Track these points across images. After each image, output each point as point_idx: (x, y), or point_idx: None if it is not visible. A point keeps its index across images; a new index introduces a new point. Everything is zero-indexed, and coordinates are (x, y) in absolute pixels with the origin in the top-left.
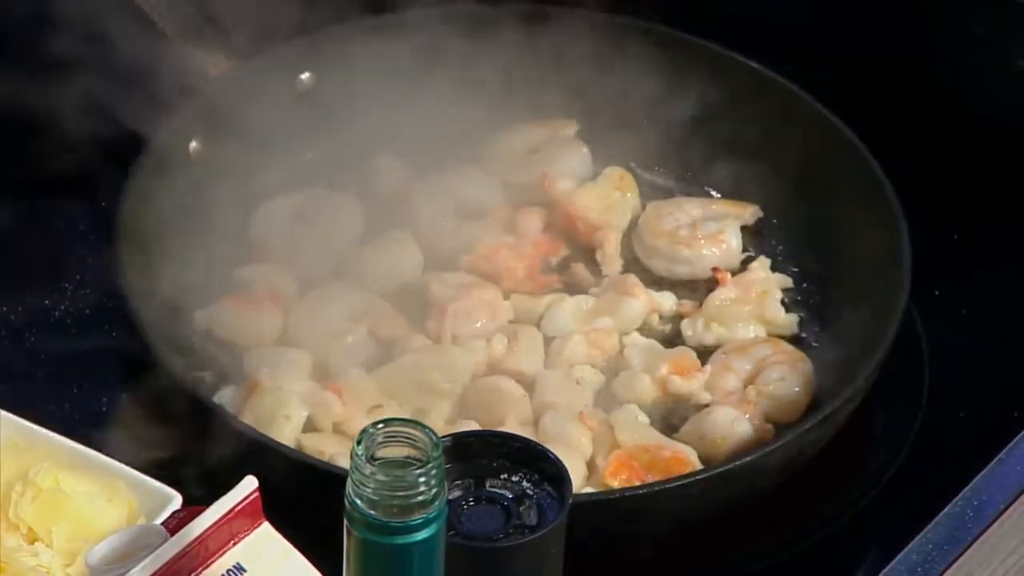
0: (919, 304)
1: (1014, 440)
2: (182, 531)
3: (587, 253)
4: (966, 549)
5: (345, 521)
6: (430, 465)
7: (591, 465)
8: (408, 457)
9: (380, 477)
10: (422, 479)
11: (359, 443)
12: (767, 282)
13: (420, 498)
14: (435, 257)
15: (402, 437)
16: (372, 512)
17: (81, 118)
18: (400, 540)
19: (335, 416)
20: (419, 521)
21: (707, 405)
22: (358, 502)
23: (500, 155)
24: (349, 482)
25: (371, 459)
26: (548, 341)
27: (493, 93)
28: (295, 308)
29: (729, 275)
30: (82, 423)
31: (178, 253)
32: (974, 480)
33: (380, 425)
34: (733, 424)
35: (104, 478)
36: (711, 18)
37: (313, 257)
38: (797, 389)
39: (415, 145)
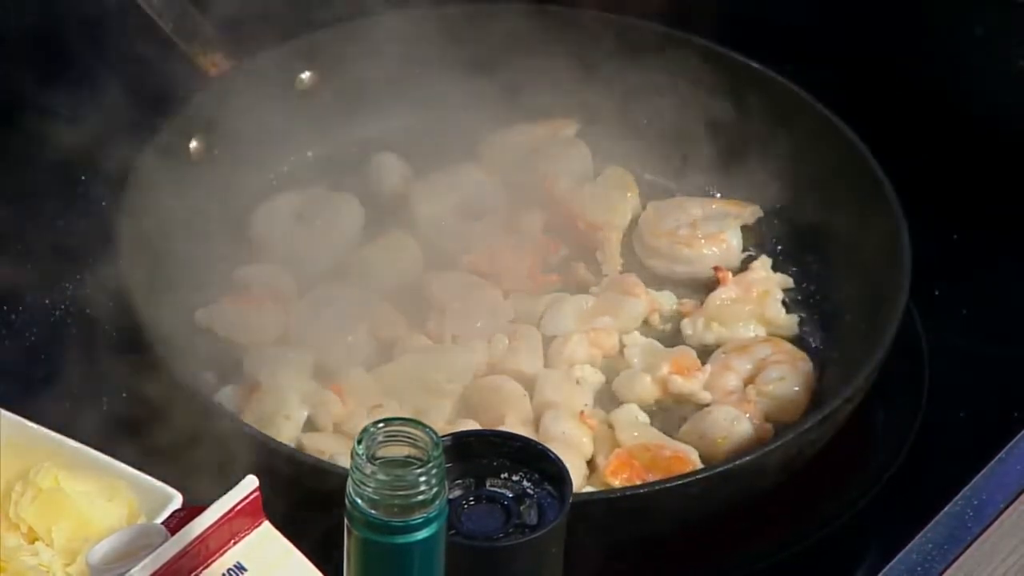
0: (919, 304)
1: (1014, 440)
2: (182, 530)
3: (587, 253)
4: (966, 549)
5: (345, 520)
6: (430, 464)
7: (591, 464)
8: (408, 456)
9: (381, 476)
10: (422, 478)
11: (360, 442)
12: (768, 282)
13: (420, 497)
14: (435, 257)
15: (402, 436)
16: (373, 511)
17: (81, 118)
18: (400, 539)
19: (335, 416)
20: (419, 520)
21: (707, 404)
22: (359, 501)
23: (500, 155)
24: (350, 481)
25: (372, 459)
26: (548, 341)
27: (493, 93)
28: (295, 308)
29: (730, 274)
30: (82, 423)
31: (178, 253)
32: (974, 480)
33: (380, 424)
34: (733, 423)
35: (104, 478)
36: (711, 18)
37: (313, 257)
38: (797, 389)
39: (415, 145)
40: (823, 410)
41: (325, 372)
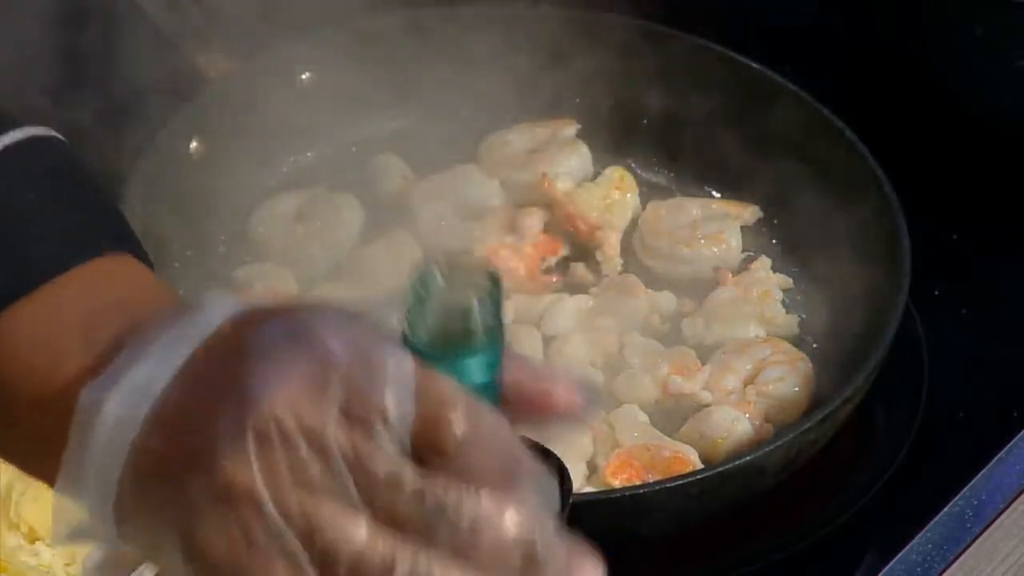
0: (919, 304)
1: (1014, 440)
2: None
3: (587, 253)
4: (966, 549)
5: None
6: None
7: (591, 465)
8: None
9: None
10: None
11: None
12: (767, 282)
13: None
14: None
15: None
16: (425, 340)
17: (80, 118)
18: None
19: None
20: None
21: (707, 404)
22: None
23: (500, 155)
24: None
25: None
26: (548, 341)
27: (493, 93)
28: None
29: (730, 274)
30: None
31: (178, 253)
32: (974, 480)
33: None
34: (733, 424)
35: None
36: (711, 18)
37: (313, 257)
38: (797, 389)
39: (415, 145)
40: (823, 410)
41: None
